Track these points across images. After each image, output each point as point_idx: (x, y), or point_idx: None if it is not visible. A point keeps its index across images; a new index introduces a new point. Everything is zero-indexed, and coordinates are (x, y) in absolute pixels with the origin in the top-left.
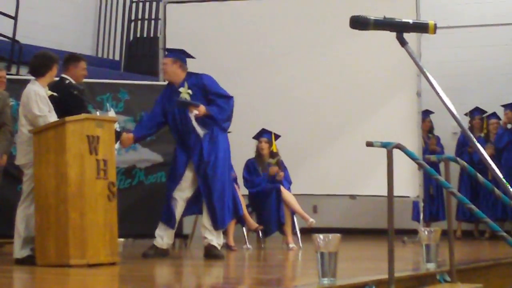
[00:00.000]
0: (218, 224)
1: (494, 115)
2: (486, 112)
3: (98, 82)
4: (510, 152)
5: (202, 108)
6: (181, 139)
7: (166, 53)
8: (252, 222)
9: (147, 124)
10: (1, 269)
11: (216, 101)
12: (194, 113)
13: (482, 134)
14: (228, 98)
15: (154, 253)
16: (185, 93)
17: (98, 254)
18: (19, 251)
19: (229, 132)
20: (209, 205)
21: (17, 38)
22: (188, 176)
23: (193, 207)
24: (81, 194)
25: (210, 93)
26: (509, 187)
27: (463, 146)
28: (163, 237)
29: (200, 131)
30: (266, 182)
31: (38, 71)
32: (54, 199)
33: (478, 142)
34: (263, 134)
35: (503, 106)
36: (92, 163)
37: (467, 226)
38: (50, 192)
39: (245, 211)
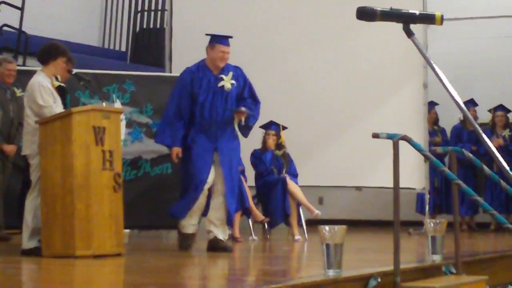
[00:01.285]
0: (229, 218)
1: (500, 107)
2: (477, 105)
3: (104, 73)
4: None
5: (245, 114)
6: (206, 126)
7: (213, 39)
8: (259, 213)
9: (181, 125)
10: (7, 260)
11: (247, 101)
12: (240, 119)
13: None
14: (258, 102)
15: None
16: (228, 82)
17: (104, 245)
18: (26, 242)
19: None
20: (231, 195)
21: (23, 29)
22: (213, 166)
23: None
24: (87, 185)
25: (247, 89)
26: None
27: (459, 140)
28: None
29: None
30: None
31: (41, 59)
32: (60, 190)
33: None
34: (271, 126)
35: None
36: (98, 154)
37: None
38: (56, 183)
39: (251, 202)
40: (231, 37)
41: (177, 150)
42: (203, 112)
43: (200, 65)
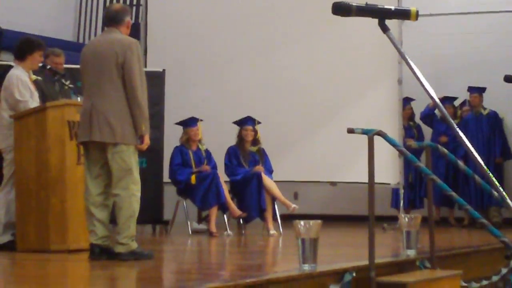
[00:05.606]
0: None
1: (466, 102)
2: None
3: (79, 68)
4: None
5: None
6: None
7: None
8: (236, 209)
9: None
10: None
11: None
12: None
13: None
14: None
15: None
16: None
17: (79, 239)
18: (0, 236)
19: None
20: None
21: None
22: None
23: None
24: (62, 180)
25: None
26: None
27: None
28: None
29: None
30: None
31: (17, 55)
32: (35, 185)
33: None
34: (248, 122)
35: (469, 89)
36: (73, 148)
37: (444, 213)
38: (31, 178)
39: (228, 197)
40: None
41: None
42: None
43: None
